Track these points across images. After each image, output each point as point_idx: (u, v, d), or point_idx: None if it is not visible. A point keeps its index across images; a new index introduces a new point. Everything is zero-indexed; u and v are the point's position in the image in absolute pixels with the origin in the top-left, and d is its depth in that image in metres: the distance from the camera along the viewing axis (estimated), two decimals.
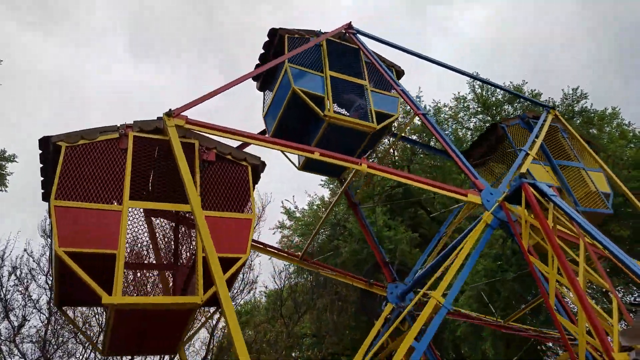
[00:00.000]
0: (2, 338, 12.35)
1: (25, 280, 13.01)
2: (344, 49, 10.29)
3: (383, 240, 15.67)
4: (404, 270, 11.13)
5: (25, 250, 16.38)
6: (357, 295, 16.55)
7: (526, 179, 7.65)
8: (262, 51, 10.15)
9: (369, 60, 10.28)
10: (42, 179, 6.93)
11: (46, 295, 13.81)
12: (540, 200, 7.21)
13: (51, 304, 13.41)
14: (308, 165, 10.14)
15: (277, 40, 9.72)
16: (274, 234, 21.29)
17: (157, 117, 7.10)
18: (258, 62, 10.24)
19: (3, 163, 20.53)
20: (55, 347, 13.17)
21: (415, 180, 8.15)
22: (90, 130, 6.67)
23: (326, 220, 18.45)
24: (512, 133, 10.59)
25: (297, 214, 20.82)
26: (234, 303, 15.50)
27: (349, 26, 10.53)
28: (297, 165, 10.35)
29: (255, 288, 17.07)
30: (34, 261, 14.21)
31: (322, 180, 21.78)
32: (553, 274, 6.72)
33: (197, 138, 7.28)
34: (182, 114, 7.15)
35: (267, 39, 10.02)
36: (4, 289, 13.03)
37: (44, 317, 13.51)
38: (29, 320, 13.37)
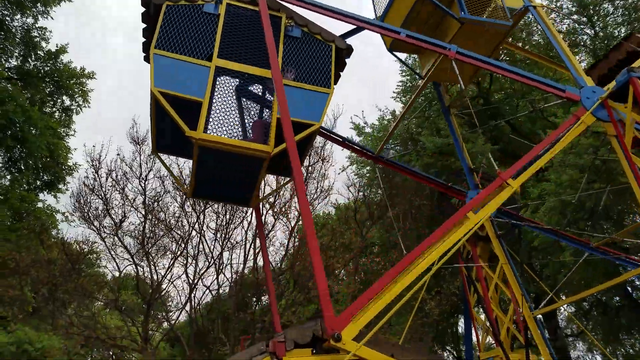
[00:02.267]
0: (107, 231, 13.81)
1: (122, 181, 14.13)
2: (254, 18, 7.57)
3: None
4: (483, 184, 10.81)
5: (117, 154, 17.95)
6: (432, 206, 16.50)
7: (635, 73, 6.87)
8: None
9: (295, 34, 7.74)
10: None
11: (141, 196, 15.08)
12: None
13: (146, 204, 14.71)
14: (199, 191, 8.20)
15: (153, 11, 7.30)
16: (342, 150, 21.28)
17: None
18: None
19: (84, 80, 21.60)
20: (152, 241, 14.63)
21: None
22: None
23: (397, 133, 18.07)
24: None
25: (367, 129, 20.49)
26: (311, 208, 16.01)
27: None
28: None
29: (330, 195, 17.47)
30: (126, 165, 15.36)
31: (394, 93, 21.08)
32: None
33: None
34: None
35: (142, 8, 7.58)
36: (103, 189, 14.41)
37: (141, 215, 14.87)
38: (127, 217, 14.82)
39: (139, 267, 14.09)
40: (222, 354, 14.12)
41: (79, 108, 21.66)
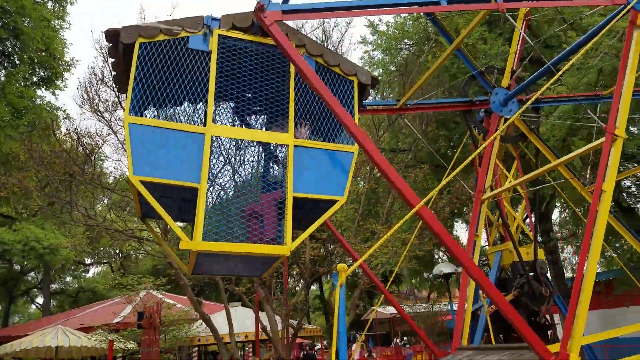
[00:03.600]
0: (120, 124, 13.38)
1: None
2: (255, 53, 5.69)
3: (477, 54, 14.67)
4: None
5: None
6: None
7: None
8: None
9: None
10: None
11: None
12: None
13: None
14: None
15: (123, 51, 5.31)
16: (354, 50, 20.46)
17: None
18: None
19: None
20: None
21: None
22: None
23: (413, 34, 17.28)
24: None
25: (382, 27, 19.57)
26: None
27: (260, 8, 5.17)
28: None
29: None
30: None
31: None
32: None
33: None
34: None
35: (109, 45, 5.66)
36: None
37: None
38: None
39: None
40: None
41: None
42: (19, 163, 13.22)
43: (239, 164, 5.55)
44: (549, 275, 9.31)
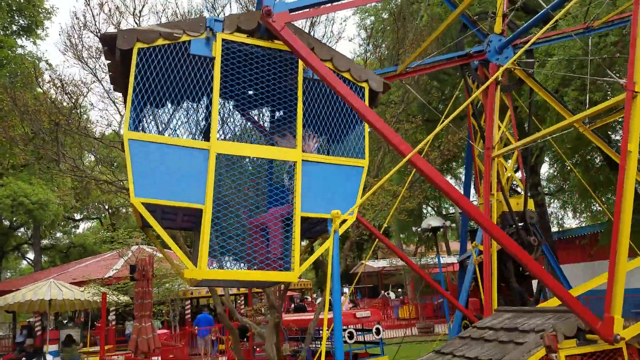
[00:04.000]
0: (105, 72, 12.82)
1: (115, 16, 12.32)
2: (262, 58, 5.28)
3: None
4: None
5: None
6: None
7: None
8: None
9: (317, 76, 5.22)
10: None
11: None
12: None
13: None
14: None
15: (120, 57, 4.84)
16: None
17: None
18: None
19: None
20: None
21: None
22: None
23: None
24: None
25: None
26: None
27: (267, 12, 4.78)
28: None
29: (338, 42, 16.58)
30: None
31: None
32: None
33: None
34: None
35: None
36: (97, 23, 12.66)
37: None
38: None
39: None
40: None
41: None
42: (2, 113, 12.88)
43: (243, 180, 5.14)
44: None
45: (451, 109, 12.31)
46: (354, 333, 12.98)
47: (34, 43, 18.49)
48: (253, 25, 5.08)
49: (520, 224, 8.97)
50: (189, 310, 26.10)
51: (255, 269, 4.88)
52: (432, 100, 16.59)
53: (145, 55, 4.70)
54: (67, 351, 18.68)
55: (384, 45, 14.36)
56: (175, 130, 5.27)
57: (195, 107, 5.35)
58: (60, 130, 9.73)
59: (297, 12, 4.98)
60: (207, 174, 4.67)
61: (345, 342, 12.28)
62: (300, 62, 5.30)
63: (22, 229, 40.31)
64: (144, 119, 4.94)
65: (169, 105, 5.11)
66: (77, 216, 43.50)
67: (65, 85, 10.05)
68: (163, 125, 5.15)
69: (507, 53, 9.70)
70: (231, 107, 5.50)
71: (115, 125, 11.25)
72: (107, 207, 40.55)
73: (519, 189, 12.64)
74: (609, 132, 16.72)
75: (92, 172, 10.92)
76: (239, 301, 26.28)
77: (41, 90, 11.61)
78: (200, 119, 5.37)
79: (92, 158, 17.82)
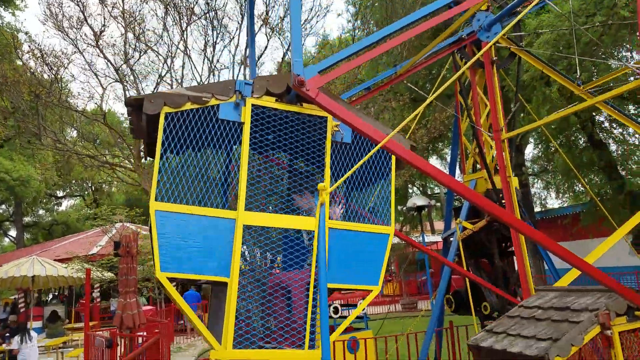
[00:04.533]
0: (86, 42, 12.61)
1: None
2: (292, 123, 5.10)
3: None
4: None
5: None
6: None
7: None
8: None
9: (346, 139, 5.25)
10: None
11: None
12: None
13: (125, 16, 13.39)
14: None
15: (147, 122, 4.76)
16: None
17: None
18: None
19: None
20: (137, 55, 13.63)
21: None
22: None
23: None
24: None
25: None
26: None
27: (300, 83, 4.00)
28: None
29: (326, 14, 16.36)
30: None
31: None
32: None
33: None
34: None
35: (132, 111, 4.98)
36: None
37: (122, 26, 13.52)
38: (107, 27, 13.41)
39: (124, 83, 13.42)
40: None
41: None
42: None
43: (269, 251, 4.90)
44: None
45: (438, 88, 12.27)
46: (339, 308, 13.12)
47: (13, 14, 17.87)
48: (282, 89, 4.95)
49: (504, 202, 9.05)
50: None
51: (281, 348, 4.67)
52: (419, 79, 16.52)
53: (173, 120, 4.51)
54: (52, 327, 18.59)
55: (372, 22, 14.18)
56: (202, 200, 4.92)
57: (222, 172, 5.18)
58: (40, 103, 9.48)
59: (326, 73, 4.78)
60: (233, 244, 4.51)
61: (331, 317, 12.40)
62: (329, 125, 5.14)
63: (3, 206, 39.69)
64: (170, 189, 4.67)
65: (196, 171, 4.87)
66: (60, 193, 42.91)
67: (45, 55, 9.74)
68: (189, 192, 4.84)
69: (496, 29, 9.63)
70: (256, 171, 5.23)
71: (97, 98, 11.06)
72: (90, 184, 40.05)
73: None
74: (594, 113, 16.89)
75: (74, 147, 10.69)
76: None
77: (20, 63, 11.26)
78: (226, 185, 5.20)
79: (75, 134, 17.50)
